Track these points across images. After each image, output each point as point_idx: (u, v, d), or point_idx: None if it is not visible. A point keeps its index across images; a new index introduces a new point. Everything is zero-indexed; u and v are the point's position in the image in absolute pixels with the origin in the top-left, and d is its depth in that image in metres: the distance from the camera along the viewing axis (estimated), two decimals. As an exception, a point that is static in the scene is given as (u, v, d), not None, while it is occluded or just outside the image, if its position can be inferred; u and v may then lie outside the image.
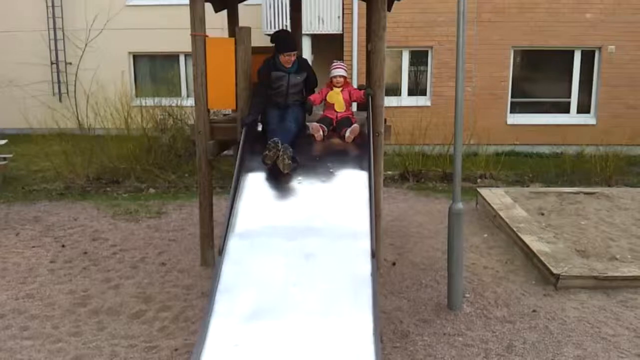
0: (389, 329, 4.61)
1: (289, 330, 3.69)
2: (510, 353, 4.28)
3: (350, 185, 5.06)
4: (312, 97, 5.51)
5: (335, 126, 5.43)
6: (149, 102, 11.01)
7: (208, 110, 5.73)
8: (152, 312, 4.97)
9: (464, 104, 4.84)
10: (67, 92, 15.18)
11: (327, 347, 3.63)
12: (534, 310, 4.94)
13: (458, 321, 4.77)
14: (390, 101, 9.73)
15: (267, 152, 4.71)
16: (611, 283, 5.33)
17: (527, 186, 9.46)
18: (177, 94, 12.65)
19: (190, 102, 10.17)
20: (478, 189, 8.40)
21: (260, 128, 5.53)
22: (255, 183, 5.11)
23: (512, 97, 12.85)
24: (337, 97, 5.49)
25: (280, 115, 5.30)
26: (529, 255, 6.02)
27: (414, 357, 4.22)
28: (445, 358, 4.21)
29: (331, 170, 5.24)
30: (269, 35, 14.31)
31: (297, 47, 5.54)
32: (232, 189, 4.94)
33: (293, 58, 5.33)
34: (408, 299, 5.19)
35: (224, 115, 8.59)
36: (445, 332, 4.59)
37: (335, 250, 4.46)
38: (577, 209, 7.59)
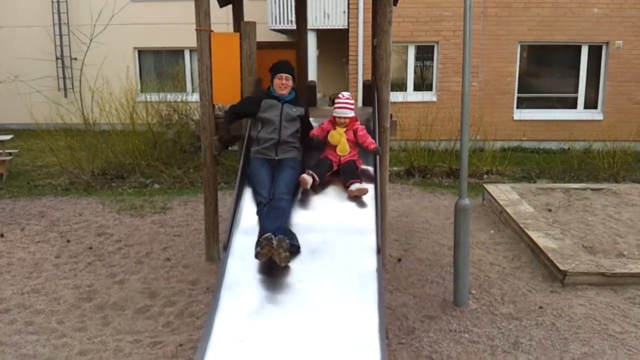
0: (395, 325, 4.59)
1: (294, 326, 3.67)
2: (516, 350, 4.25)
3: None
4: (315, 132, 4.86)
5: (338, 170, 4.73)
6: (154, 97, 10.99)
7: (213, 106, 5.71)
8: (157, 307, 4.96)
9: (470, 99, 4.80)
10: (72, 88, 15.18)
11: (332, 343, 3.61)
12: (540, 307, 4.90)
13: (464, 317, 4.74)
14: (395, 96, 9.69)
15: (259, 249, 3.90)
16: (618, 280, 5.29)
17: (534, 182, 9.41)
18: (182, 89, 12.62)
19: (195, 97, 10.16)
20: (484, 185, 8.35)
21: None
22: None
23: (518, 92, 12.77)
24: (340, 139, 4.76)
25: (270, 176, 4.58)
26: (536, 251, 5.98)
27: (420, 354, 4.20)
28: (451, 355, 4.18)
29: (336, 165, 5.21)
30: (274, 30, 14.31)
31: (294, 73, 4.90)
32: (237, 185, 4.92)
33: (289, 83, 4.83)
34: (414, 295, 5.17)
35: (229, 110, 8.57)
36: (451, 329, 4.56)
37: (340, 246, 4.43)
38: (585, 205, 7.53)
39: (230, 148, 7.03)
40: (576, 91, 12.85)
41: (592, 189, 8.27)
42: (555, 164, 10.42)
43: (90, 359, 4.15)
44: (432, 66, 12.80)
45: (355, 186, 4.54)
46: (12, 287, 5.35)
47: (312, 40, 13.12)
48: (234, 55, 5.52)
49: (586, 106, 12.89)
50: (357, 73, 12.56)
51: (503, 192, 7.87)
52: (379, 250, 4.36)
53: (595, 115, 12.77)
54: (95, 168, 9.68)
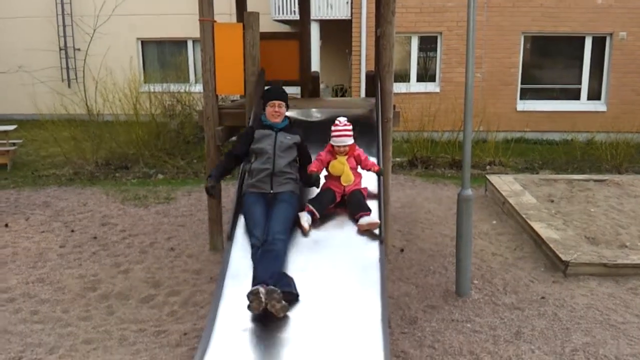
0: (397, 315, 4.62)
1: (297, 315, 3.70)
2: (518, 340, 4.27)
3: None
4: (314, 168, 4.49)
5: (343, 202, 4.44)
6: (157, 88, 11.00)
7: (216, 96, 5.72)
8: (161, 296, 5.00)
9: (473, 90, 4.80)
10: (76, 78, 15.19)
11: (335, 332, 3.64)
12: (542, 297, 4.92)
13: (466, 307, 4.76)
14: (399, 87, 9.69)
15: (249, 302, 3.58)
16: (620, 270, 5.30)
17: (537, 173, 9.40)
18: (185, 80, 12.65)
19: (198, 88, 10.16)
20: (487, 176, 8.36)
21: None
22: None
23: (522, 83, 12.74)
24: (342, 168, 4.44)
25: (264, 214, 4.21)
26: (538, 242, 6.00)
27: (422, 343, 4.23)
28: (453, 344, 4.21)
29: (339, 156, 5.22)
30: (277, 21, 14.26)
31: (287, 99, 4.60)
32: (240, 175, 4.93)
33: (282, 110, 4.52)
34: (416, 285, 5.19)
35: (232, 101, 8.59)
36: (453, 319, 4.59)
37: (343, 237, 4.46)
38: (587, 196, 7.54)
39: (233, 139, 7.04)
40: (580, 82, 12.81)
41: (595, 180, 8.27)
42: (558, 155, 10.41)
43: (95, 348, 4.19)
44: (436, 57, 12.76)
45: (365, 220, 4.23)
46: (17, 277, 5.39)
47: (315, 31, 13.10)
48: (237, 46, 5.52)
49: (589, 97, 12.85)
50: (360, 64, 12.54)
51: (506, 183, 7.87)
52: (382, 241, 4.38)
53: (598, 106, 12.73)
54: (99, 158, 9.70)
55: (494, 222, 6.92)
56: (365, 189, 4.54)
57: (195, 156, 9.95)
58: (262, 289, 3.57)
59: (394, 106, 5.53)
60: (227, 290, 3.90)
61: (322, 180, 4.56)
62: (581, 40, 12.58)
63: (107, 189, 8.44)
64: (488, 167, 9.74)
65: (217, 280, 4.02)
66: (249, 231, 4.18)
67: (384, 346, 3.60)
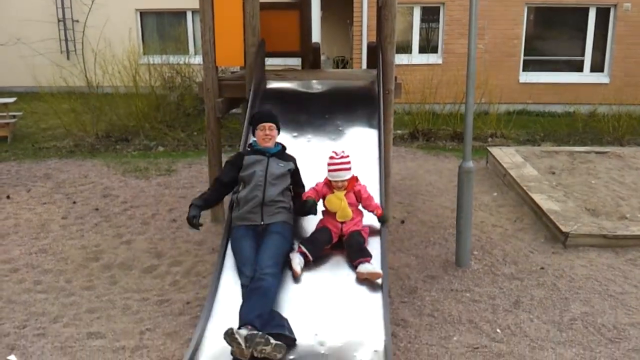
0: (397, 285, 4.66)
1: (299, 285, 3.73)
2: (517, 309, 4.32)
3: (359, 143, 5.03)
4: (310, 194, 4.06)
5: (341, 242, 3.92)
6: (157, 59, 10.90)
7: (216, 68, 5.67)
8: (163, 266, 5.04)
9: (476, 61, 4.75)
10: (75, 50, 15.04)
11: (336, 302, 3.67)
12: (542, 268, 4.96)
13: (466, 278, 4.80)
14: (400, 59, 9.58)
15: (233, 347, 3.15)
16: (620, 242, 5.33)
17: (538, 145, 9.38)
18: (185, 51, 12.50)
19: (198, 59, 10.07)
20: (488, 148, 8.34)
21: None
22: (264, 141, 5.08)
23: (524, 55, 12.61)
24: (339, 204, 3.93)
25: (254, 250, 3.76)
26: (539, 213, 6.02)
27: (422, 312, 4.27)
28: (452, 313, 4.26)
29: (340, 128, 5.20)
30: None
31: (279, 121, 4.23)
32: (242, 147, 4.93)
33: (273, 133, 4.12)
34: (416, 256, 5.22)
35: (232, 72, 8.53)
36: (452, 288, 4.63)
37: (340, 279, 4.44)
38: (588, 168, 7.54)
39: (233, 111, 7.01)
40: (583, 54, 12.68)
41: (597, 153, 8.26)
42: (560, 128, 10.37)
43: (98, 317, 4.24)
44: (438, 28, 12.61)
45: (365, 268, 3.71)
46: (19, 248, 5.43)
47: (316, 1, 12.91)
48: (237, 16, 5.45)
49: (592, 69, 12.73)
50: (361, 35, 12.40)
51: (507, 155, 7.86)
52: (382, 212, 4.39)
53: (601, 78, 12.63)
54: (99, 130, 9.68)
55: (495, 194, 6.93)
56: (367, 229, 4.01)
57: (195, 128, 9.93)
58: (241, 332, 3.15)
59: (396, 78, 5.49)
60: (229, 261, 3.92)
61: (319, 214, 4.06)
62: (585, 11, 12.41)
63: (107, 161, 8.44)
64: (489, 139, 9.71)
65: (219, 250, 4.05)
66: (238, 270, 3.74)
67: (384, 315, 3.64)
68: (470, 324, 4.11)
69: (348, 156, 4.04)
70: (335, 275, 3.81)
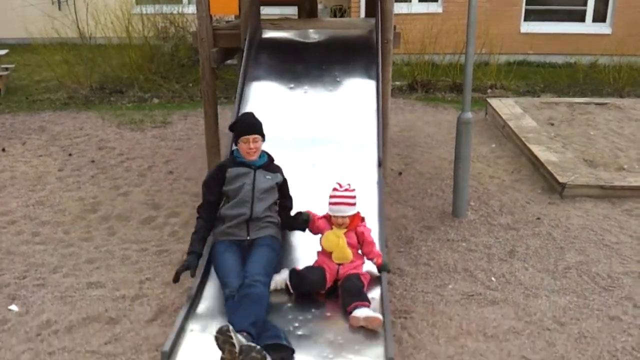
0: (394, 235, 4.68)
1: (296, 233, 3.76)
2: (512, 258, 4.36)
3: (357, 95, 4.97)
4: (311, 214, 3.61)
5: (335, 288, 3.35)
6: (150, 9, 10.65)
7: (210, 17, 5.53)
8: (161, 218, 5.05)
9: (476, 10, 4.64)
10: (66, 0, 14.68)
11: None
12: (538, 218, 4.98)
13: (462, 228, 4.83)
14: (400, 7, 9.36)
15: (224, 350, 2.79)
16: (617, 192, 5.34)
17: (538, 96, 9.30)
18: (178, 0, 12.20)
19: (191, 9, 9.83)
20: (488, 99, 8.27)
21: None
22: (260, 92, 5.03)
23: (526, 4, 12.34)
24: (337, 243, 3.42)
25: (240, 261, 3.41)
26: (536, 164, 6.01)
27: (418, 261, 4.31)
28: (448, 262, 4.30)
29: (338, 79, 5.13)
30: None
31: (263, 130, 3.70)
32: (237, 98, 4.87)
33: (258, 145, 3.64)
34: (413, 207, 5.24)
35: (227, 22, 8.34)
36: (449, 238, 4.66)
37: (342, 160, 4.45)
38: (588, 120, 7.49)
39: (229, 62, 6.89)
40: (585, 4, 12.40)
41: (596, 104, 8.19)
42: (560, 79, 10.26)
43: (97, 267, 4.27)
44: (438, -24, 12.28)
45: (362, 312, 3.11)
46: (16, 200, 5.42)
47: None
48: (232, -38, 5.28)
49: (595, 20, 12.47)
50: (359, -16, 12.08)
51: (506, 106, 7.80)
52: (380, 164, 4.38)
53: (603, 29, 12.39)
54: (93, 82, 9.55)
55: (493, 145, 6.91)
56: (367, 276, 3.43)
57: (190, 79, 9.79)
58: (240, 337, 2.80)
59: (395, 27, 5.36)
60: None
61: (314, 254, 3.55)
62: (589, -42, 12.08)
63: (102, 113, 8.35)
64: (489, 90, 9.61)
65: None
66: (222, 282, 3.35)
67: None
68: (465, 273, 4.16)
69: (354, 190, 3.53)
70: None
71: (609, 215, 5.04)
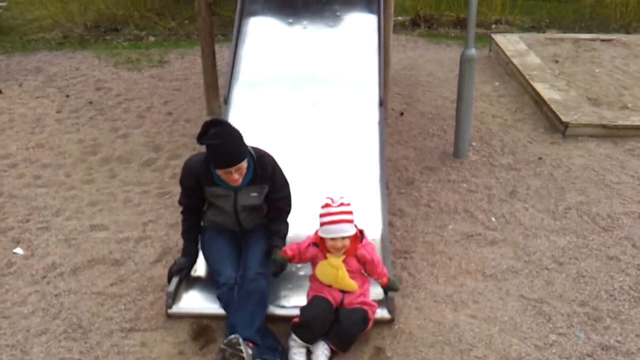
0: (395, 177, 4.68)
1: (299, 177, 3.75)
2: (513, 198, 4.37)
3: (358, 31, 4.86)
4: (288, 252, 3.05)
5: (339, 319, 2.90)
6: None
7: (206, -51, 5.32)
8: (162, 160, 5.04)
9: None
10: None
11: (335, 192, 3.71)
12: (539, 158, 4.97)
13: (463, 169, 4.82)
14: (402, -61, 9.01)
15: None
16: (620, 132, 5.30)
17: (543, 32, 9.07)
18: None
19: (186, -59, 9.48)
20: (492, 35, 8.07)
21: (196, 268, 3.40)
22: (258, 29, 4.91)
23: None
24: (335, 275, 2.92)
25: (233, 248, 3.25)
26: (539, 103, 5.93)
27: (419, 202, 4.33)
28: (448, 203, 4.31)
29: (338, 14, 5.00)
30: None
31: (246, 155, 3.06)
32: (234, 35, 4.76)
33: (242, 172, 3.08)
34: (414, 147, 5.21)
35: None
36: (449, 179, 4.66)
37: (342, 99, 4.40)
38: (592, 57, 7.34)
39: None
40: None
41: (602, 40, 8.00)
42: (566, 14, 9.98)
43: (100, 209, 4.30)
44: None
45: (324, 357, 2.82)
46: (16, 143, 5.39)
47: None
48: None
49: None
50: None
51: (511, 43, 7.62)
52: (381, 103, 4.33)
53: (614, -41, 11.96)
54: (87, 20, 9.32)
55: (497, 83, 6.80)
56: (374, 305, 3.00)
57: (186, 16, 9.54)
58: (248, 351, 2.69)
59: (397, -41, 5.17)
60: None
61: (306, 280, 3.16)
62: None
63: (98, 52, 8.18)
64: (493, 26, 9.37)
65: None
66: (214, 269, 3.17)
67: (381, 205, 3.70)
68: (465, 213, 4.18)
69: (349, 204, 2.94)
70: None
71: (611, 155, 5.02)
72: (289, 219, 3.35)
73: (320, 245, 2.95)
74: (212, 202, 3.26)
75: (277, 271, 3.09)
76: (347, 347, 2.87)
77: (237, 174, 3.03)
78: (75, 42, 8.74)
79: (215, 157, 3.01)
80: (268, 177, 3.19)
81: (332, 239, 2.87)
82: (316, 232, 2.96)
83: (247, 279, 2.99)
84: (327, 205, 2.93)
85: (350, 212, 2.90)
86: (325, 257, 2.93)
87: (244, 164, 3.05)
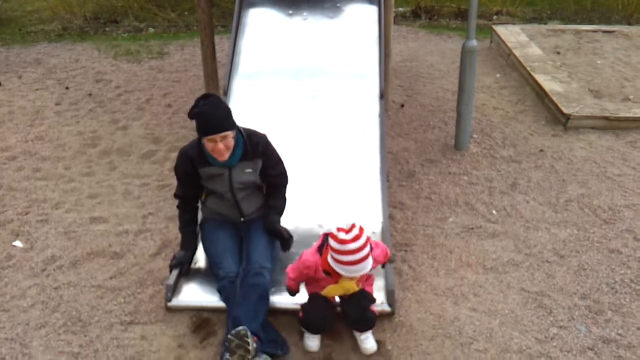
0: (396, 169, 4.66)
1: (300, 169, 3.74)
2: (514, 191, 4.35)
3: (359, 22, 4.83)
4: (291, 284, 2.97)
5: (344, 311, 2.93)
6: None
7: (205, -60, 5.27)
8: (162, 152, 5.02)
9: None
10: None
11: (336, 185, 3.70)
12: (541, 150, 4.94)
13: (464, 161, 4.80)
14: None
15: (235, 353, 2.63)
16: (622, 124, 5.27)
17: (545, 24, 9.02)
18: None
19: None
20: (494, 27, 8.02)
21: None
22: (258, 20, 4.89)
23: None
24: (347, 291, 2.83)
25: (235, 241, 3.24)
26: (541, 95, 5.90)
27: (419, 195, 4.31)
28: (449, 195, 4.30)
29: (338, 5, 4.97)
30: None
31: (233, 124, 3.07)
32: (234, 26, 4.74)
33: (228, 143, 3.03)
34: (415, 140, 5.19)
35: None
36: (450, 172, 4.64)
37: (343, 91, 4.38)
38: (594, 48, 7.30)
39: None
40: None
41: (604, 32, 7.95)
42: (568, 5, 9.91)
43: (100, 202, 4.29)
44: None
45: (372, 344, 2.88)
46: (16, 135, 5.38)
47: None
48: None
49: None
50: None
51: (512, 34, 7.58)
52: (382, 96, 4.31)
53: (616, -50, 11.88)
54: (87, 12, 9.28)
55: (498, 75, 6.76)
56: (372, 279, 3.00)
57: (186, 8, 9.50)
58: (253, 344, 2.65)
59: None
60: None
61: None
62: None
63: (98, 44, 8.15)
64: (495, 17, 9.33)
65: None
66: (214, 262, 3.16)
67: (382, 197, 3.69)
68: (466, 206, 4.17)
69: (363, 231, 2.66)
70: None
71: (613, 147, 4.99)
72: (287, 195, 3.36)
73: (328, 268, 2.75)
74: (209, 189, 3.25)
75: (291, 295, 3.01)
76: (367, 323, 2.88)
77: (222, 145, 3.00)
78: (74, 34, 8.70)
79: (201, 124, 3.02)
80: (260, 152, 3.17)
81: (352, 278, 2.74)
82: (325, 259, 2.74)
83: (250, 272, 2.99)
84: (342, 242, 2.62)
85: (367, 244, 2.65)
86: (337, 282, 2.80)
87: (231, 135, 3.02)
